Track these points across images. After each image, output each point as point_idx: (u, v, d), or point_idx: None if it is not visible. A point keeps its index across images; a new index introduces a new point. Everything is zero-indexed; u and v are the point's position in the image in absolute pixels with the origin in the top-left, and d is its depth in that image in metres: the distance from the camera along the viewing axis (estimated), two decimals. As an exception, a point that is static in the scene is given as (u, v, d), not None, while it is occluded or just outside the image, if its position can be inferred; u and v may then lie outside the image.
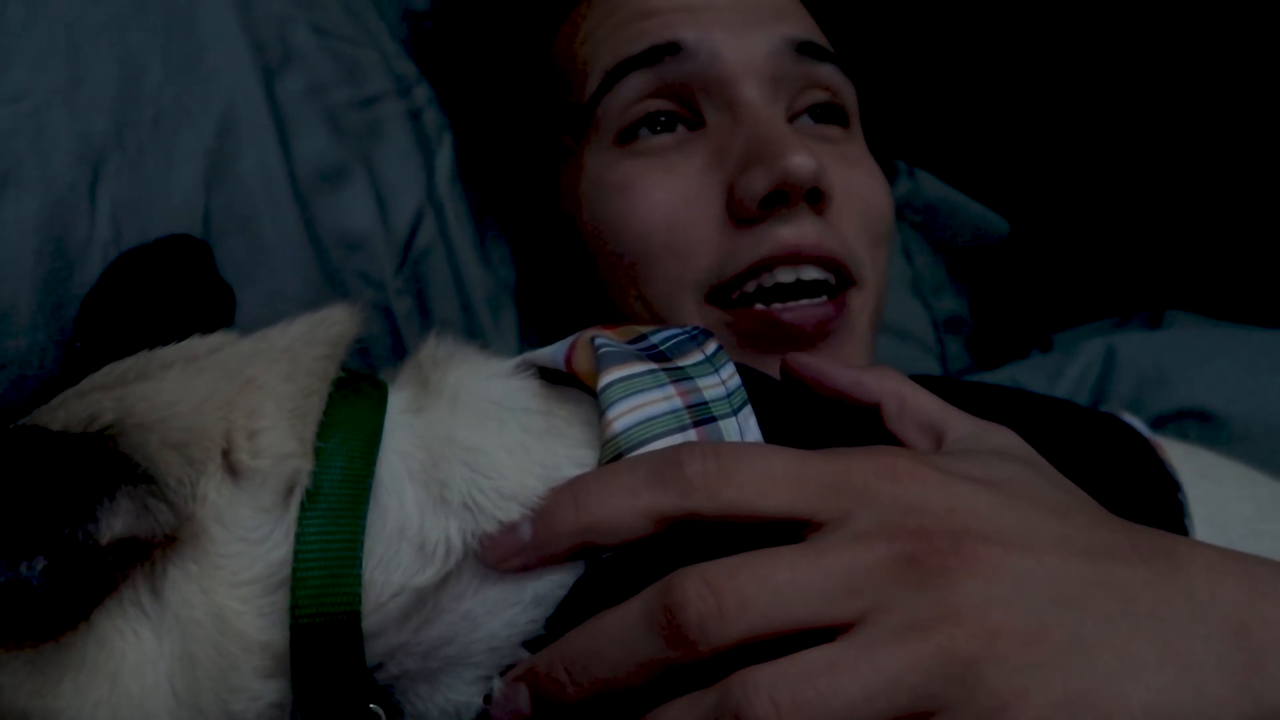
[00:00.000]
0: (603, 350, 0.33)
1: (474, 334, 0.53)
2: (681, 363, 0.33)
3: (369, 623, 0.29)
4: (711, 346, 0.35)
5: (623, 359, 0.32)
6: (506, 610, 0.29)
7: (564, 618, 0.29)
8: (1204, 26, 0.88)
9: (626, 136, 0.50)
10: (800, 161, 0.44)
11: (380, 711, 0.29)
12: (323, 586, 0.28)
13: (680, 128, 0.49)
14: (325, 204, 0.49)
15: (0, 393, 0.40)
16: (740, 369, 0.35)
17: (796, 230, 0.46)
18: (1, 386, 0.40)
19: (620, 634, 0.27)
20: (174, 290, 0.40)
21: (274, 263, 0.47)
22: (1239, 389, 0.67)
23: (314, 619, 0.28)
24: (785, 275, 0.46)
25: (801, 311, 0.46)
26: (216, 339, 0.35)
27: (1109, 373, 0.71)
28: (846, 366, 0.37)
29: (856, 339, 0.48)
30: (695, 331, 0.36)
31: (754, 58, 0.49)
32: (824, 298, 0.47)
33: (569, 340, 0.35)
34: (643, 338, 0.36)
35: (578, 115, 0.51)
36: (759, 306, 0.46)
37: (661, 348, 0.35)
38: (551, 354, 0.34)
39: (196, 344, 0.34)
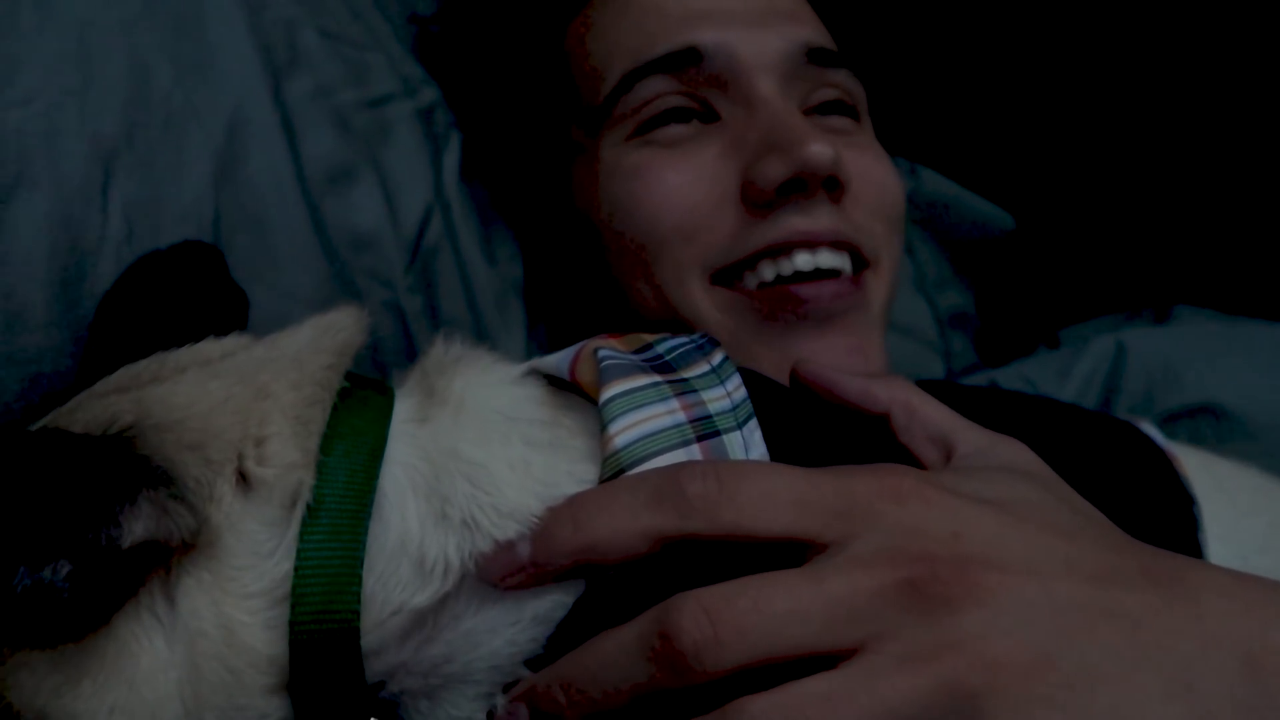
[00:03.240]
0: (606, 363, 0.32)
1: (481, 331, 0.54)
2: (687, 374, 0.33)
3: (369, 640, 0.29)
4: (718, 357, 0.35)
5: (626, 372, 0.32)
6: (507, 629, 0.29)
7: (564, 637, 0.29)
8: (1208, 20, 0.87)
9: (643, 129, 0.50)
10: (819, 150, 0.45)
11: None
12: (322, 603, 0.28)
13: (695, 121, 0.50)
14: (334, 203, 0.50)
15: (17, 390, 0.40)
16: (747, 376, 0.34)
17: (812, 218, 0.46)
18: (18, 384, 0.40)
19: (617, 658, 0.27)
20: (188, 295, 0.41)
21: (284, 262, 0.47)
22: (1250, 384, 0.66)
23: (313, 635, 0.28)
24: (803, 261, 0.47)
25: (818, 287, 0.46)
26: (230, 343, 0.35)
27: (1119, 369, 0.70)
28: (855, 375, 0.37)
29: (871, 322, 0.49)
30: (702, 341, 0.36)
31: (768, 54, 0.49)
32: (843, 264, 0.48)
33: (573, 350, 0.34)
34: (648, 347, 0.36)
35: (592, 113, 0.51)
36: (764, 267, 0.47)
37: (667, 358, 0.35)
38: (556, 363, 0.34)
39: (210, 347, 0.35)
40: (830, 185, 0.47)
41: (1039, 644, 0.26)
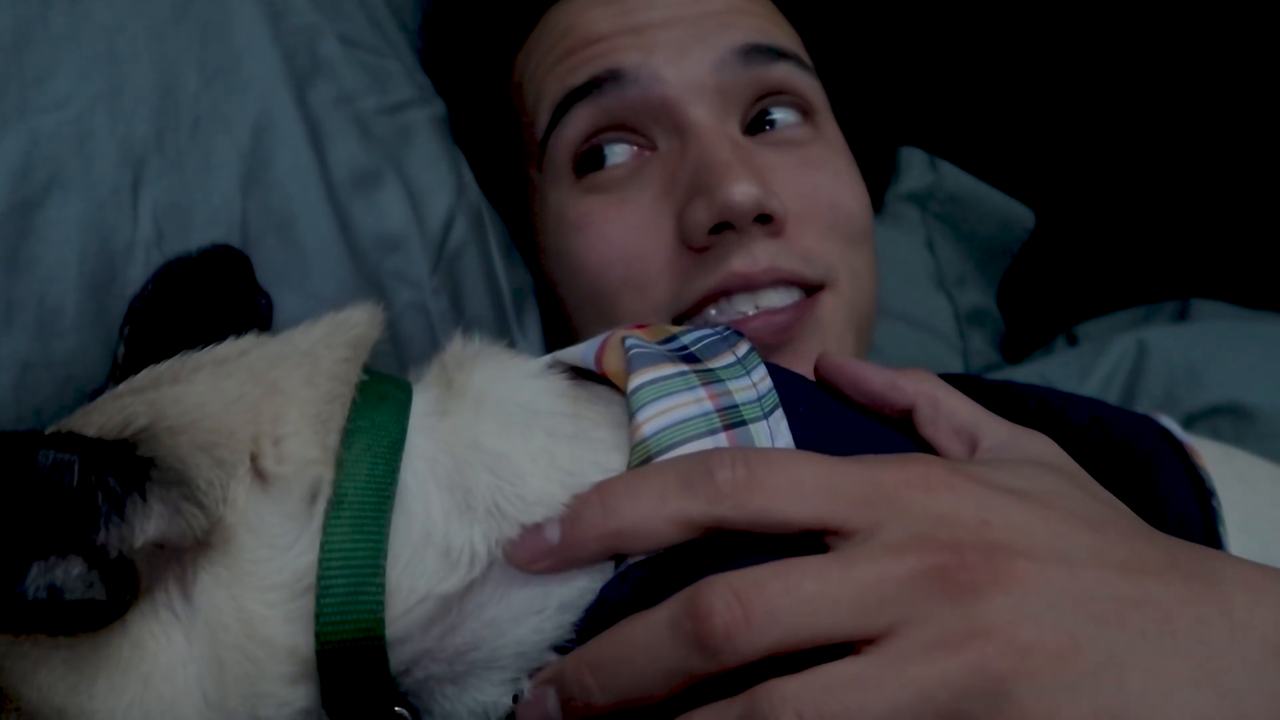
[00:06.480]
0: (634, 351, 0.32)
1: (506, 331, 0.54)
2: (713, 365, 0.33)
3: (394, 629, 0.29)
4: (743, 348, 0.35)
5: (654, 360, 0.32)
6: (533, 617, 0.29)
7: (592, 624, 0.29)
8: (1228, 12, 0.85)
9: (581, 168, 0.50)
10: (741, 191, 0.44)
11: (406, 714, 0.29)
12: (347, 594, 0.28)
13: (632, 151, 0.49)
14: (360, 206, 0.50)
15: (49, 392, 0.41)
16: (772, 369, 0.34)
17: (748, 258, 0.45)
18: (50, 386, 0.41)
19: (646, 642, 0.27)
20: (215, 299, 0.41)
21: (311, 264, 0.48)
22: (1272, 383, 0.65)
23: (339, 626, 0.28)
24: (744, 304, 0.46)
25: (764, 320, 0.45)
26: (246, 342, 0.35)
27: (1139, 369, 0.70)
28: (881, 368, 0.37)
29: (831, 341, 0.48)
30: (727, 332, 0.36)
31: (697, 75, 0.48)
32: (792, 300, 0.46)
33: (599, 339, 0.34)
34: (674, 338, 0.36)
35: (535, 149, 0.51)
36: (712, 313, 0.46)
37: (692, 349, 0.34)
38: (581, 353, 0.34)
39: (227, 347, 0.35)
40: (763, 219, 0.45)
41: (1068, 631, 0.25)
